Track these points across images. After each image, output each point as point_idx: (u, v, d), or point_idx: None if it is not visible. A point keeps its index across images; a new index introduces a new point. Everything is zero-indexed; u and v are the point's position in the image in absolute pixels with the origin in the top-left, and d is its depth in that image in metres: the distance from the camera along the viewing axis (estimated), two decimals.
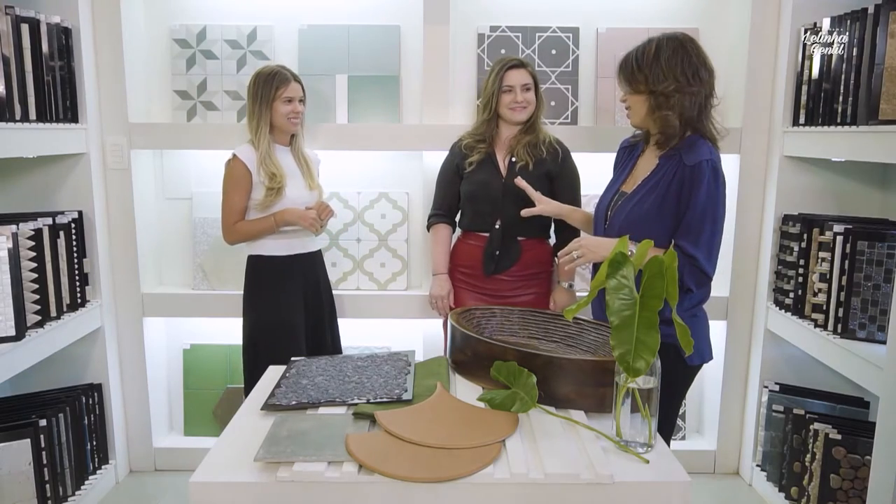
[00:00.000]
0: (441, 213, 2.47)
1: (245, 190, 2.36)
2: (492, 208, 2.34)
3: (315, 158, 2.56)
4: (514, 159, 2.34)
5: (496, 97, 2.33)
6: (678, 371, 1.80)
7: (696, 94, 1.82)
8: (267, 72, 2.37)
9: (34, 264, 2.25)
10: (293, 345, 2.37)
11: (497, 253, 2.34)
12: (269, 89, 2.34)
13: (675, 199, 1.79)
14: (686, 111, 1.81)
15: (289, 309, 2.40)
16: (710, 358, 1.93)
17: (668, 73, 1.80)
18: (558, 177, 2.36)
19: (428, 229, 2.51)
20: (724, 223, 1.83)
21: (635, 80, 1.84)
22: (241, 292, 2.46)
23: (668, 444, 2.00)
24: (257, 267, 2.42)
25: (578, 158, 2.47)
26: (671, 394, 1.84)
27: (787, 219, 2.54)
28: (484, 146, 2.38)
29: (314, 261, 2.49)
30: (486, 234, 2.37)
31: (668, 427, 1.92)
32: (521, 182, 2.18)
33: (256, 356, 2.38)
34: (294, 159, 2.46)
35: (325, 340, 2.51)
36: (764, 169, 2.65)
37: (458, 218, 2.50)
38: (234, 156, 2.36)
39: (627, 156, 2.01)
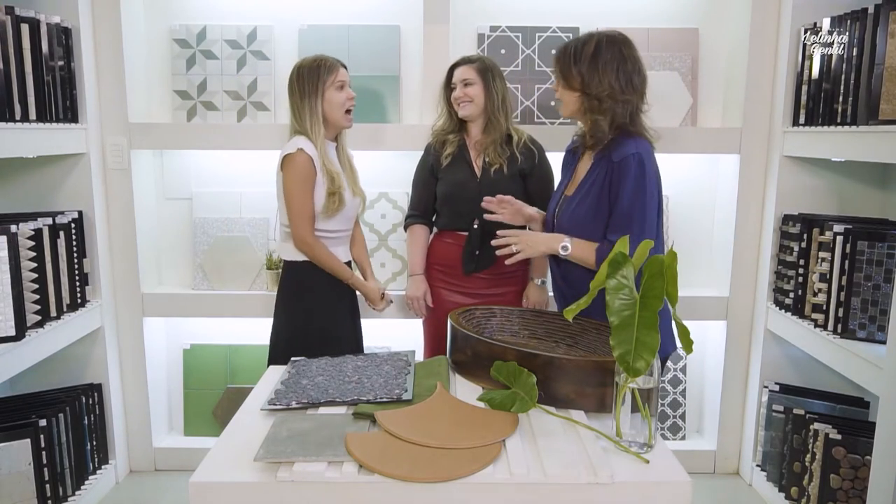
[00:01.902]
0: (417, 213, 2.47)
1: (312, 189, 2.14)
2: (469, 208, 2.33)
3: (349, 153, 2.38)
4: (487, 160, 2.35)
5: (447, 93, 2.40)
6: None
7: (628, 102, 1.84)
8: (310, 61, 2.18)
9: (34, 264, 2.25)
10: (343, 348, 2.19)
11: (477, 253, 2.35)
12: (315, 79, 2.15)
13: (608, 196, 1.83)
14: (617, 118, 1.84)
15: (336, 319, 2.29)
16: (674, 349, 1.96)
17: (604, 78, 1.81)
18: (530, 175, 2.36)
19: (405, 230, 2.52)
20: (655, 212, 1.83)
21: (570, 76, 1.85)
22: (241, 292, 2.44)
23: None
24: (304, 275, 2.25)
25: None
26: None
27: (787, 219, 2.54)
28: (455, 137, 2.39)
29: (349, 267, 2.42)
30: (465, 233, 2.37)
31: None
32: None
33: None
34: (338, 159, 2.29)
35: (355, 345, 2.43)
36: (764, 169, 2.65)
37: (434, 217, 2.51)
38: (300, 149, 2.12)
39: (571, 160, 2.05)
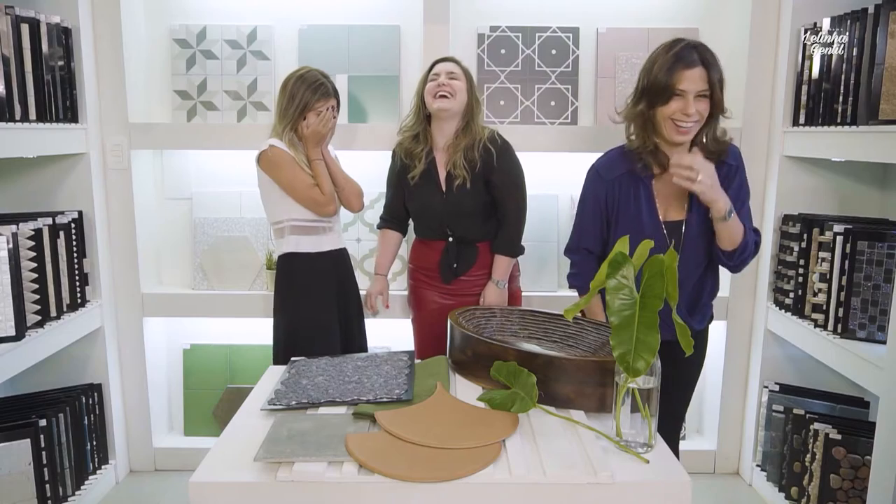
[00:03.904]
0: (388, 218, 2.48)
1: (299, 167, 2.24)
2: (439, 224, 2.34)
3: (332, 154, 2.46)
4: (454, 172, 2.26)
5: (422, 86, 2.29)
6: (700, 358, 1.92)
7: None
8: (314, 78, 2.26)
9: (34, 264, 2.25)
10: (329, 343, 2.30)
11: (455, 265, 2.34)
12: (308, 98, 2.24)
13: (735, 198, 1.84)
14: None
15: (322, 307, 2.34)
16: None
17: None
18: (490, 175, 2.27)
19: (378, 228, 2.52)
20: None
21: (723, 83, 1.81)
22: (241, 292, 2.44)
23: (679, 434, 2.10)
24: (289, 266, 2.34)
25: (578, 159, 2.45)
26: (691, 381, 2.02)
27: (787, 219, 2.54)
28: (421, 150, 2.30)
29: (342, 258, 2.44)
30: (441, 241, 2.36)
31: (681, 417, 2.03)
32: None
33: (293, 355, 2.30)
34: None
35: (353, 339, 2.46)
36: (764, 169, 2.65)
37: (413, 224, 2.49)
38: (270, 146, 2.24)
39: (629, 186, 1.88)
